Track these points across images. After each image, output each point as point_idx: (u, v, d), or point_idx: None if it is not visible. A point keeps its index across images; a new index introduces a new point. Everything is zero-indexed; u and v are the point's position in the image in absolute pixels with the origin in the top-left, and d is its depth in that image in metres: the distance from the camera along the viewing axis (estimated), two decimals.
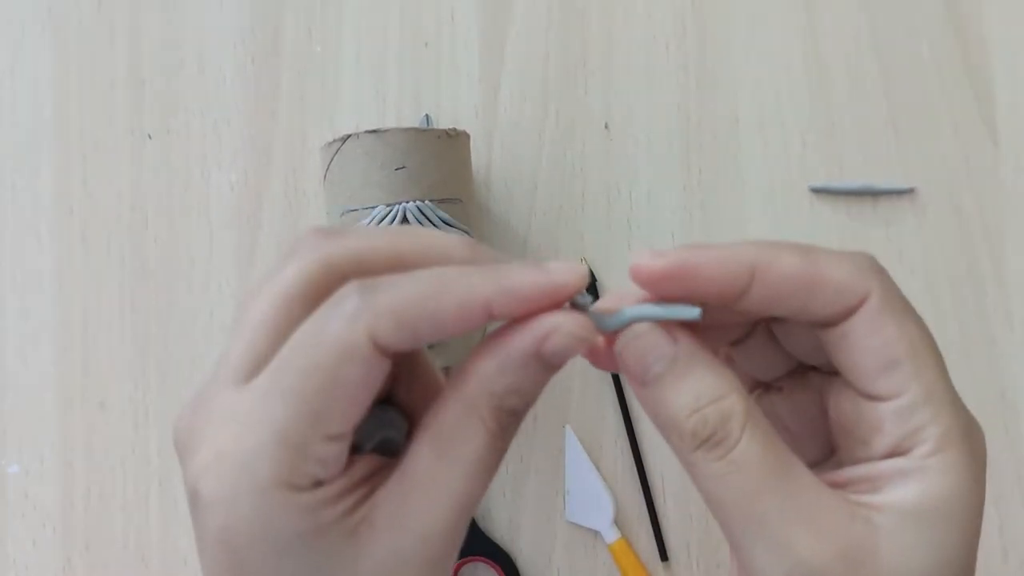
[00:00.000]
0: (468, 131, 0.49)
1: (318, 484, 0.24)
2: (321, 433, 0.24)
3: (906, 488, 0.25)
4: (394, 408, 0.28)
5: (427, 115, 0.55)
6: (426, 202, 0.46)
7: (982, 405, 0.27)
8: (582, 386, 0.53)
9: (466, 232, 0.47)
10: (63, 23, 0.57)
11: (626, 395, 0.52)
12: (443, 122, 0.55)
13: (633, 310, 0.26)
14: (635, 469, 0.52)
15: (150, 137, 0.56)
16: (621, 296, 0.28)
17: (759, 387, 0.32)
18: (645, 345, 0.26)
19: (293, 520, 0.24)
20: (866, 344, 0.26)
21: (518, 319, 0.25)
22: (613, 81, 0.55)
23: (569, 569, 0.52)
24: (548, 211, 0.54)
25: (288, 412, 0.23)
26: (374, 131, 0.45)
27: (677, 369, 0.26)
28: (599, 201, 0.54)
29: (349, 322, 0.24)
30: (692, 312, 0.26)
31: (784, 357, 0.30)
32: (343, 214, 0.46)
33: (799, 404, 0.30)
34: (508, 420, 0.26)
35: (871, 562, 0.25)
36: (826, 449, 0.30)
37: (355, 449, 0.26)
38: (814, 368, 0.30)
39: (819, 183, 0.53)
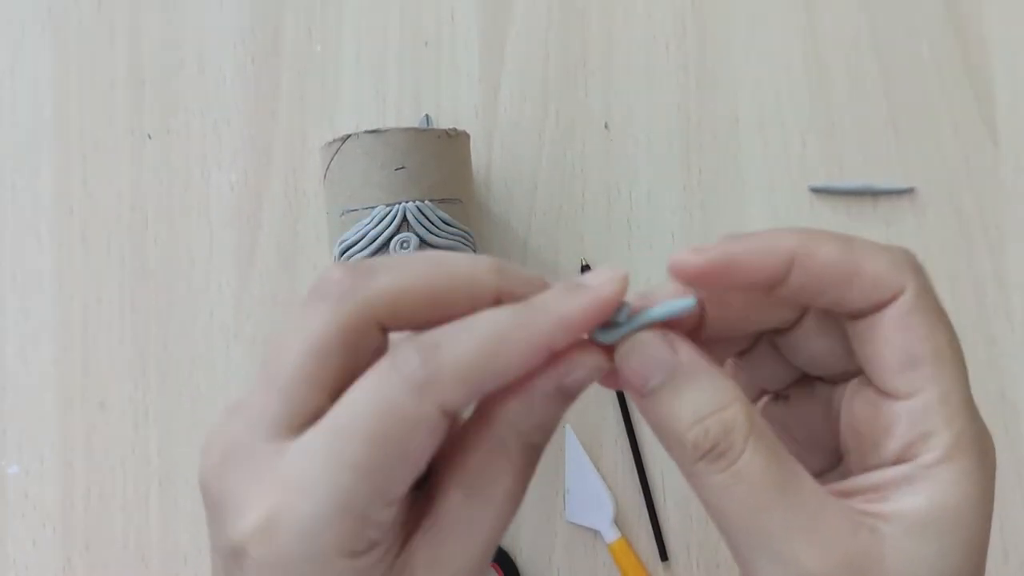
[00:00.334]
0: (468, 131, 0.49)
1: (374, 545, 0.24)
2: (385, 500, 0.24)
3: (913, 496, 0.25)
4: None
5: (427, 115, 0.55)
6: (426, 202, 0.46)
7: (982, 405, 0.27)
8: None
9: (466, 232, 0.47)
10: (63, 23, 0.57)
11: (626, 395, 0.52)
12: (443, 122, 0.55)
13: (631, 320, 0.26)
14: (635, 469, 0.52)
15: (150, 137, 0.56)
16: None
17: (766, 395, 0.32)
18: (644, 356, 0.26)
19: None
20: (893, 338, 0.26)
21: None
22: (613, 81, 0.55)
23: (569, 569, 0.52)
24: (548, 211, 0.54)
25: (354, 483, 0.23)
26: (374, 131, 0.45)
27: (677, 380, 0.26)
28: (599, 201, 0.54)
29: (417, 392, 0.23)
30: (687, 303, 0.26)
31: (790, 367, 0.30)
32: (343, 214, 0.46)
33: (805, 413, 0.30)
34: (533, 455, 0.26)
35: (877, 571, 0.24)
36: (832, 458, 0.30)
37: None
38: (820, 378, 0.30)
39: (819, 183, 0.53)
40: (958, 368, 0.26)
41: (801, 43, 0.54)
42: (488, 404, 0.26)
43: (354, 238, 0.46)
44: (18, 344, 0.55)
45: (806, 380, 0.31)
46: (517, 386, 0.26)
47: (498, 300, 0.25)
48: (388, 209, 0.45)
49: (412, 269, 0.25)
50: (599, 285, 0.25)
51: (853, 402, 0.28)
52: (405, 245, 0.45)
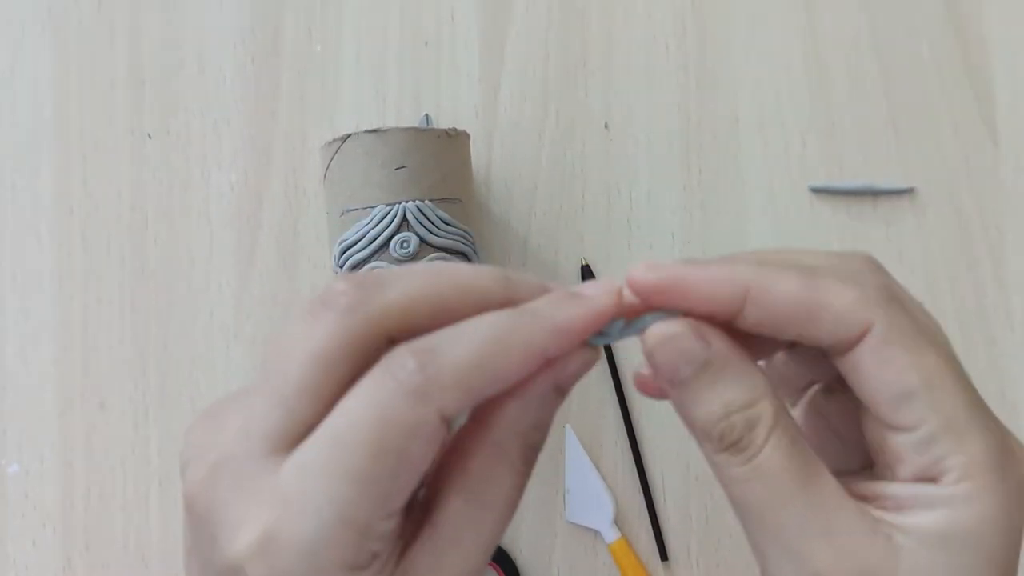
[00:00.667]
0: (468, 131, 0.49)
1: (375, 557, 0.24)
2: (386, 511, 0.23)
3: (932, 514, 0.25)
4: None
5: (427, 115, 0.55)
6: (426, 202, 0.46)
7: None
8: (582, 386, 0.53)
9: (466, 232, 0.47)
10: (63, 23, 0.57)
11: (626, 395, 0.52)
12: (443, 122, 0.55)
13: (624, 329, 0.27)
14: (635, 469, 0.52)
15: (150, 137, 0.56)
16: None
17: (815, 385, 0.32)
18: (676, 348, 0.26)
19: None
20: (877, 376, 0.25)
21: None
22: (613, 81, 0.55)
23: (569, 569, 0.52)
24: (548, 211, 0.54)
25: (354, 494, 0.22)
26: (374, 131, 0.45)
27: (708, 374, 0.26)
28: (599, 201, 0.54)
29: (416, 399, 0.23)
30: (674, 319, 0.26)
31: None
32: (343, 214, 0.46)
33: (849, 408, 0.30)
34: (532, 456, 0.26)
35: None
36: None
37: None
38: None
39: (819, 183, 0.53)
40: (957, 388, 0.26)
41: (801, 43, 0.54)
42: (484, 409, 0.26)
43: (354, 238, 0.46)
44: (18, 344, 0.55)
45: None
46: (512, 389, 0.25)
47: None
48: (388, 209, 0.45)
49: (421, 281, 0.25)
50: (593, 296, 0.25)
51: (866, 422, 0.27)
52: (405, 245, 0.45)
